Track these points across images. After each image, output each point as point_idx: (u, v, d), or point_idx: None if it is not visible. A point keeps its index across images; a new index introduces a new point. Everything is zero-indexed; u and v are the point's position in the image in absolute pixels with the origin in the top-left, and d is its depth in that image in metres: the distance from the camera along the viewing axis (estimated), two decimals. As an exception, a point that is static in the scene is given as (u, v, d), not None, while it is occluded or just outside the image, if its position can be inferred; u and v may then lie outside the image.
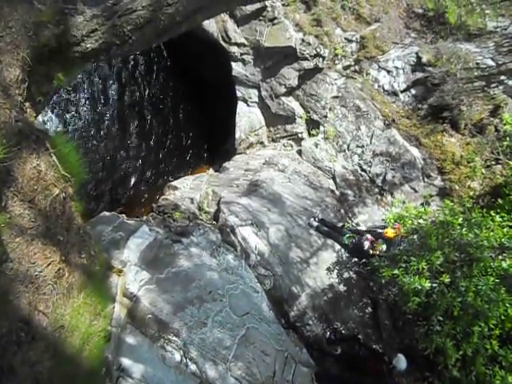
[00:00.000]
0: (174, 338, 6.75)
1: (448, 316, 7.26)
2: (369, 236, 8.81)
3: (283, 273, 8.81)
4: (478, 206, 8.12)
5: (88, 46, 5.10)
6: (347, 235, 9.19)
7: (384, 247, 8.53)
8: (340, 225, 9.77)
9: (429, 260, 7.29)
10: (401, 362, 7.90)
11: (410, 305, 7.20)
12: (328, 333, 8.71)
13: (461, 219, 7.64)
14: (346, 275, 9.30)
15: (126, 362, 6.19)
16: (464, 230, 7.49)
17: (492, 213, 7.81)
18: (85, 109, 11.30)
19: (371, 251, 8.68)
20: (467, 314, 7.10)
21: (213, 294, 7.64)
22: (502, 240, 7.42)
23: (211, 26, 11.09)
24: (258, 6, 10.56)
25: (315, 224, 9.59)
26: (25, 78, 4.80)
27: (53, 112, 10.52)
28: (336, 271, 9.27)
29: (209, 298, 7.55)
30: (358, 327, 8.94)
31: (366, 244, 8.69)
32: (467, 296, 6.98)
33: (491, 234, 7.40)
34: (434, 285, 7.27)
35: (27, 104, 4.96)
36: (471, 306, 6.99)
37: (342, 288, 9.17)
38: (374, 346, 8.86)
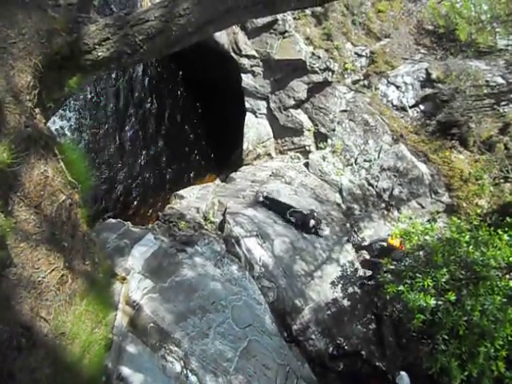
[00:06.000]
0: (175, 348, 6.70)
1: (453, 335, 7.15)
2: (315, 214, 9.60)
3: (287, 285, 8.75)
4: (485, 224, 8.00)
5: (100, 54, 5.15)
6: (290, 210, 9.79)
7: None
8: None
9: (434, 277, 7.20)
10: (404, 380, 7.80)
11: (414, 322, 7.12)
12: (331, 348, 8.64)
13: (468, 237, 7.56)
14: (350, 290, 9.22)
15: (126, 370, 6.15)
16: (471, 247, 7.40)
17: (499, 231, 7.69)
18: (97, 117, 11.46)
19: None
20: (473, 333, 6.99)
21: (215, 305, 7.60)
22: (510, 259, 7.31)
23: (222, 37, 11.21)
24: (269, 19, 10.68)
25: (261, 200, 10.03)
26: (36, 85, 4.85)
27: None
28: (340, 285, 9.20)
29: (211, 309, 7.51)
30: (361, 343, 8.84)
31: (312, 222, 9.51)
32: (473, 315, 6.87)
33: (498, 252, 7.29)
34: (440, 302, 7.18)
35: (37, 110, 5.00)
36: (477, 325, 6.89)
37: (345, 303, 9.09)
38: (378, 363, 8.74)
